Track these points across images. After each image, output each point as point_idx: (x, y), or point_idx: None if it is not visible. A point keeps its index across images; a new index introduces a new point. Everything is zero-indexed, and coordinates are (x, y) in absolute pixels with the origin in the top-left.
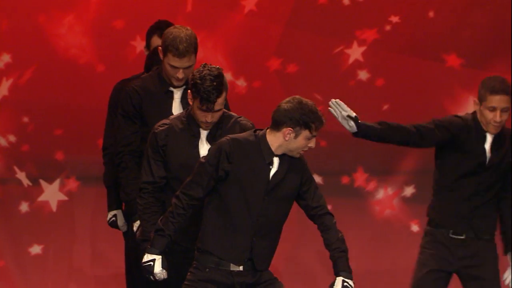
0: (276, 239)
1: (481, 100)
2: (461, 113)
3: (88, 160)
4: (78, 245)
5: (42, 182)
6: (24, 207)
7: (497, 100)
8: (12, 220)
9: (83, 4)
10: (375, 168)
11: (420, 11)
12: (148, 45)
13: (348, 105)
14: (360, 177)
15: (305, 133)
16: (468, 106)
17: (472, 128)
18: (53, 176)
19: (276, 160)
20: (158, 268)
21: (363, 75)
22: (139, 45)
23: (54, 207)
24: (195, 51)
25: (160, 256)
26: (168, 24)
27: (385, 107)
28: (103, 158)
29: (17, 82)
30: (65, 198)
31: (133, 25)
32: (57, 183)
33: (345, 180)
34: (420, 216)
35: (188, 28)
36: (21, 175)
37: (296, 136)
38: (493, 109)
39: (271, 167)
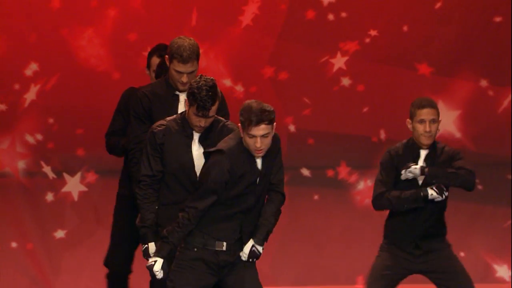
0: (260, 213)
1: (412, 117)
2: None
3: (105, 156)
4: (97, 230)
5: (65, 175)
6: (49, 196)
7: (425, 113)
8: (39, 208)
9: (101, 20)
10: (356, 163)
11: (396, 25)
12: (148, 65)
13: (332, 109)
14: (343, 171)
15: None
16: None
17: (406, 152)
18: (74, 169)
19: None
20: (157, 267)
21: (345, 81)
22: None
23: (75, 197)
24: (197, 58)
25: (162, 260)
26: (165, 47)
27: (365, 109)
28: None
29: (43, 88)
30: (85, 189)
31: (144, 37)
32: (78, 176)
33: (330, 173)
34: None
35: (191, 38)
36: (47, 169)
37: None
38: (422, 121)
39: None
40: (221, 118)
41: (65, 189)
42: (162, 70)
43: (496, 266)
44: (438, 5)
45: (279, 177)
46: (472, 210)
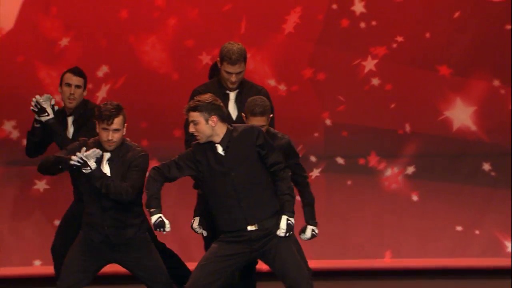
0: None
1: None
2: None
3: (166, 146)
4: (165, 208)
5: None
6: None
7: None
8: None
9: (163, 28)
10: (385, 153)
11: (419, 32)
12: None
13: (364, 105)
14: (373, 159)
15: None
16: (455, 106)
17: None
18: None
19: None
20: (167, 223)
21: (375, 81)
22: (205, 59)
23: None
24: (245, 60)
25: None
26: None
27: (392, 106)
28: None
29: (113, 87)
30: None
31: (200, 43)
32: None
33: (361, 161)
34: (418, 189)
35: (239, 43)
36: None
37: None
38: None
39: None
40: (135, 146)
41: None
42: (214, 73)
43: (506, 243)
44: (457, 14)
45: (273, 159)
46: (486, 194)
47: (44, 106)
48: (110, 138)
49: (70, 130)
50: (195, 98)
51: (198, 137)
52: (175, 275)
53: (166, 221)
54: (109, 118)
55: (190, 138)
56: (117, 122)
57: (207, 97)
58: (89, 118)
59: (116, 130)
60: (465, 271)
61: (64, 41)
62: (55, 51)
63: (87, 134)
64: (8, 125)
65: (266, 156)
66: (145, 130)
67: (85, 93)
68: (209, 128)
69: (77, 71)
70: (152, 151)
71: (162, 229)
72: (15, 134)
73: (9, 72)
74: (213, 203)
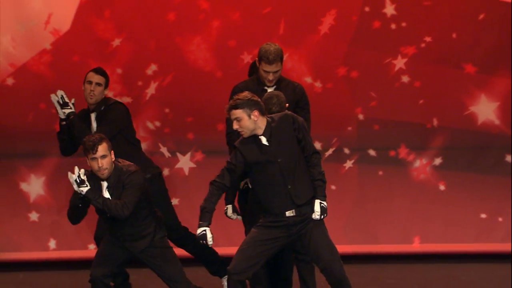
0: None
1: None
2: None
3: (210, 139)
4: (198, 197)
5: (178, 154)
6: (165, 171)
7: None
8: None
9: (207, 29)
10: (414, 145)
11: (446, 33)
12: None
13: (394, 101)
14: (402, 151)
15: None
16: (480, 102)
17: None
18: (186, 150)
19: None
20: (209, 235)
21: (405, 79)
22: (246, 58)
23: (186, 172)
24: (281, 60)
25: (208, 228)
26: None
27: (421, 101)
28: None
29: (161, 84)
30: (194, 166)
31: (242, 43)
32: (188, 155)
33: (392, 153)
34: (445, 179)
35: (276, 44)
36: (163, 149)
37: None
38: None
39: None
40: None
41: (178, 165)
42: (253, 70)
43: None
44: (481, 16)
45: (306, 143)
46: (509, 183)
47: (67, 100)
48: (100, 165)
49: (94, 125)
50: (234, 97)
51: (242, 133)
52: (198, 254)
53: (209, 235)
54: (93, 147)
55: (231, 131)
56: (102, 148)
57: (246, 94)
58: (108, 112)
59: (103, 156)
60: (489, 255)
61: (116, 42)
62: (107, 51)
63: (107, 126)
64: None
65: (301, 140)
66: (191, 124)
67: (106, 92)
68: (252, 123)
69: (99, 71)
70: (198, 143)
71: (204, 241)
72: None
73: (65, 71)
74: (262, 190)
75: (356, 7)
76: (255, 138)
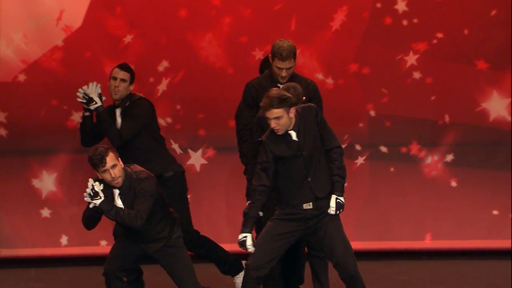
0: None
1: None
2: None
3: (222, 135)
4: (215, 195)
5: (189, 150)
6: None
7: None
8: None
9: (219, 26)
10: (425, 142)
11: (458, 29)
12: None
13: (406, 97)
14: (414, 148)
15: None
16: (492, 98)
17: None
18: (197, 146)
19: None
20: (249, 242)
21: (416, 75)
22: (257, 54)
23: (198, 168)
24: (294, 56)
25: (250, 234)
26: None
27: (432, 98)
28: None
29: (172, 81)
30: (206, 162)
31: (253, 40)
32: (200, 151)
33: (403, 150)
34: (457, 176)
35: (289, 40)
36: (175, 146)
37: None
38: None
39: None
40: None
41: (189, 162)
42: (265, 67)
43: None
44: (493, 12)
45: (327, 136)
46: None
47: (91, 96)
48: (113, 175)
49: (118, 120)
50: (269, 96)
51: (278, 131)
52: (209, 257)
53: (249, 242)
54: (102, 160)
55: (243, 127)
56: (110, 159)
57: (283, 92)
58: (133, 107)
59: (113, 166)
60: (501, 252)
61: (128, 38)
62: (119, 47)
63: (132, 121)
64: (77, 116)
65: (322, 132)
66: (202, 120)
67: (131, 88)
68: (290, 120)
69: (124, 66)
70: (209, 139)
71: (243, 248)
72: None
73: (77, 67)
74: (282, 181)
75: (368, 4)
76: (283, 133)
